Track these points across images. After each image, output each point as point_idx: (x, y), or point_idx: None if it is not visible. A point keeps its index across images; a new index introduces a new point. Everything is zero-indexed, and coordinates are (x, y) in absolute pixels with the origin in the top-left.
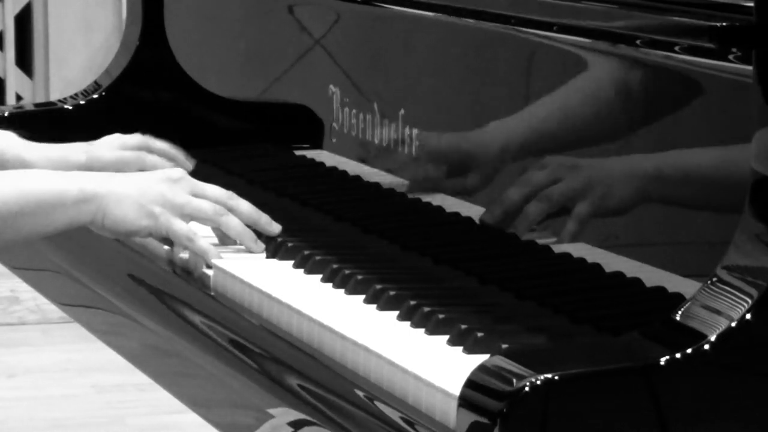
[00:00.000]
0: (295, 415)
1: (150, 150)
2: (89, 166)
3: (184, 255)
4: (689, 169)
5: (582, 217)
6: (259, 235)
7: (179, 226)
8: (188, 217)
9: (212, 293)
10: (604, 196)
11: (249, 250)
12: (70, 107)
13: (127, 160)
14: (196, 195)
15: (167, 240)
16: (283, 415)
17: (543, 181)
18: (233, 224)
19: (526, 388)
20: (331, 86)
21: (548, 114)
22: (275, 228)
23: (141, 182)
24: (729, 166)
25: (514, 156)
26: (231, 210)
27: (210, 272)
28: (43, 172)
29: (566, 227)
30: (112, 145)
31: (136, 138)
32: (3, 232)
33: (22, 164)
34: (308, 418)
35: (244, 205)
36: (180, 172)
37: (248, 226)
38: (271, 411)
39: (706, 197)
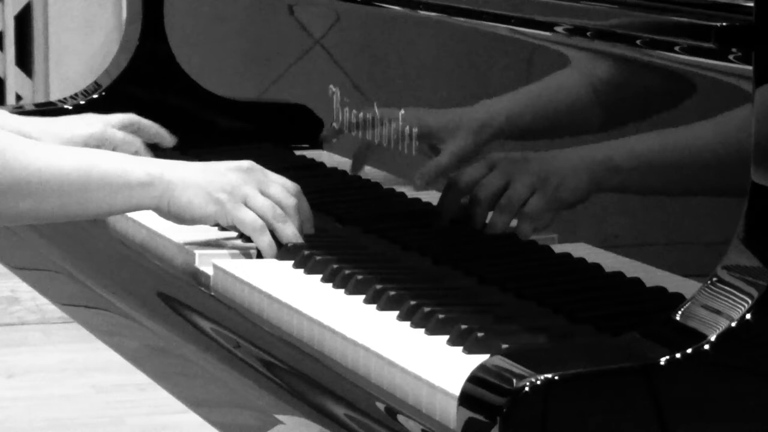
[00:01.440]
0: (295, 415)
1: (139, 127)
2: (102, 139)
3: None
4: (688, 169)
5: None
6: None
7: (247, 215)
8: (251, 209)
9: (212, 293)
10: (604, 195)
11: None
12: (70, 107)
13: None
14: (262, 191)
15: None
16: (291, 423)
17: (543, 180)
18: (288, 233)
19: (526, 388)
20: (331, 86)
21: (546, 114)
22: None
23: (208, 169)
24: (729, 166)
25: (513, 155)
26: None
27: (210, 272)
28: (108, 152)
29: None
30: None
31: (126, 117)
32: (68, 206)
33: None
34: (308, 418)
35: (305, 204)
36: (249, 163)
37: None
38: (280, 417)
39: (706, 197)
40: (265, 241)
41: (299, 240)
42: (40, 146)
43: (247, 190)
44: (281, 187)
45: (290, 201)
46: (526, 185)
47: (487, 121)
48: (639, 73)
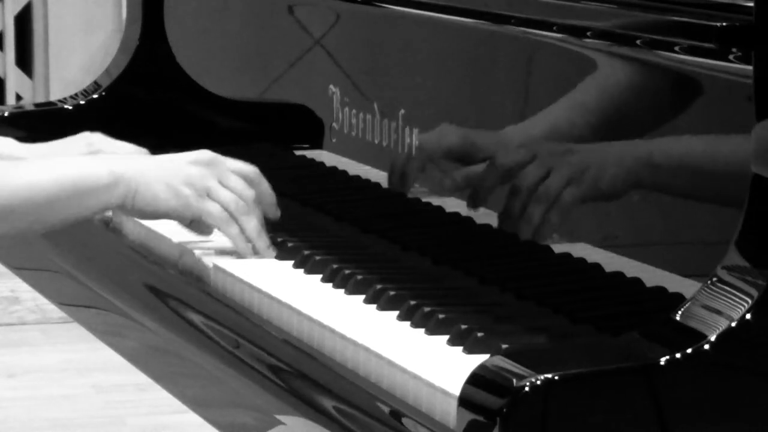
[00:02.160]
0: (295, 415)
1: None
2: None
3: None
4: (688, 169)
5: (574, 209)
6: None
7: (213, 207)
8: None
9: (212, 293)
10: (603, 195)
11: (260, 255)
12: (70, 107)
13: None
14: (223, 182)
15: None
16: (292, 423)
17: (539, 178)
18: (250, 226)
19: (526, 388)
20: (331, 86)
21: (546, 114)
22: (270, 254)
23: (170, 163)
24: (728, 166)
25: (513, 155)
26: (256, 189)
27: (210, 272)
28: (74, 157)
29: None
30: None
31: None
32: (42, 219)
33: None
34: (308, 418)
35: (266, 187)
36: (210, 154)
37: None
38: (280, 417)
39: (706, 197)
40: (234, 231)
41: (262, 232)
42: (9, 166)
43: (210, 182)
44: (240, 178)
45: (249, 193)
46: (564, 176)
47: (529, 139)
48: (638, 74)
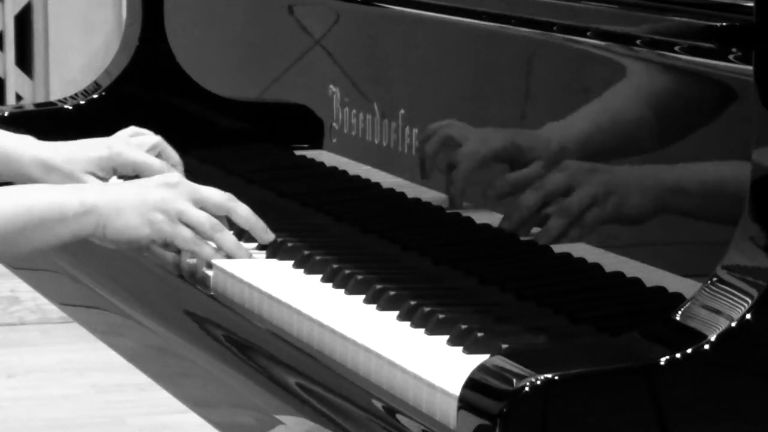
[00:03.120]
0: (295, 415)
1: (162, 155)
2: (111, 160)
3: (191, 260)
4: (688, 169)
5: (582, 213)
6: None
7: (184, 231)
8: (186, 224)
9: (212, 293)
10: (603, 195)
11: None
12: (70, 107)
13: (151, 164)
14: (194, 200)
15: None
16: (292, 423)
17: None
18: (227, 241)
19: (526, 388)
20: (331, 86)
21: (546, 114)
22: (269, 237)
23: (139, 190)
24: (728, 167)
25: (513, 156)
26: (229, 212)
27: (210, 272)
28: (44, 187)
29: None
30: (132, 142)
31: (152, 140)
32: (9, 248)
33: (40, 164)
34: (308, 418)
35: (243, 209)
36: (177, 177)
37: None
38: (280, 417)
39: (706, 197)
40: (206, 251)
41: (239, 244)
42: None
43: (180, 205)
44: (211, 190)
45: (224, 198)
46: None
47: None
48: (638, 74)
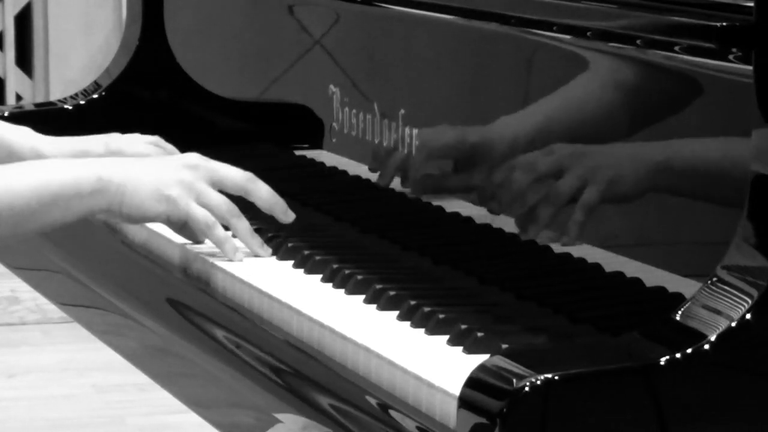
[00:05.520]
0: (296, 416)
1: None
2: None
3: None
4: (688, 169)
5: (585, 216)
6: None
7: (199, 211)
8: (203, 206)
9: (212, 293)
10: (604, 196)
11: (256, 255)
12: (70, 107)
13: (148, 155)
14: (213, 182)
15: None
16: (290, 422)
17: (545, 174)
18: (242, 228)
19: (526, 388)
20: (331, 86)
21: (547, 114)
22: (290, 216)
23: (158, 167)
24: (728, 166)
25: (513, 156)
26: (249, 194)
27: (210, 272)
28: (59, 162)
29: (573, 227)
30: (133, 140)
31: (151, 139)
32: (24, 225)
33: (39, 157)
34: (308, 418)
35: (262, 189)
36: (197, 158)
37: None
38: (279, 416)
39: (706, 197)
40: (218, 235)
41: (253, 234)
42: None
43: (199, 186)
44: (231, 170)
45: (244, 178)
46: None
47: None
48: (638, 74)
